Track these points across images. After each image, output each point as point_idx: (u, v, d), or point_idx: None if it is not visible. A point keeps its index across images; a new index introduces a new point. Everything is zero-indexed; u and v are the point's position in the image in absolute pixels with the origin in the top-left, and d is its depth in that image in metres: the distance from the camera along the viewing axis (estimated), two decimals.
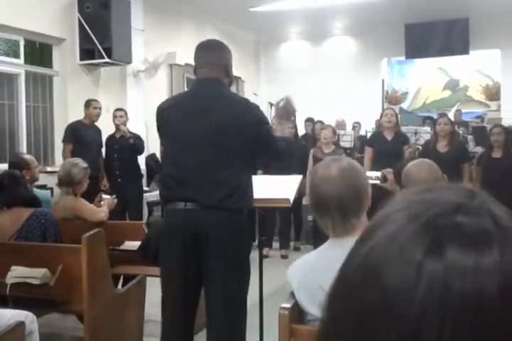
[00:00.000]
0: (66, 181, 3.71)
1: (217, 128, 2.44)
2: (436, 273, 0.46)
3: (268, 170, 5.82)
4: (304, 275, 1.67)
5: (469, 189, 0.55)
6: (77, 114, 6.22)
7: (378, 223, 0.53)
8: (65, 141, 5.99)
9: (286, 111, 2.82)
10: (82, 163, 3.82)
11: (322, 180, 1.69)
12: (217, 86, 2.57)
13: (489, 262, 0.46)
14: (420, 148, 5.81)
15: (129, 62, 7.10)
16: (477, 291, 0.45)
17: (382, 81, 11.62)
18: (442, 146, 5.35)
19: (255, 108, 2.57)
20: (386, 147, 5.50)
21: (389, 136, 5.66)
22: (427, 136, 6.32)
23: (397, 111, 8.21)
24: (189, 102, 2.57)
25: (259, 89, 10.74)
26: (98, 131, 6.17)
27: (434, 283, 0.46)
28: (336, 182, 1.66)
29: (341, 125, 8.39)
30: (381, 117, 5.87)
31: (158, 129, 2.66)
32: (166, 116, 2.58)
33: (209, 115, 2.46)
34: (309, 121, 8.02)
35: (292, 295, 1.75)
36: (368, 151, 5.72)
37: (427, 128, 7.05)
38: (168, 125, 2.57)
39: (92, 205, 3.83)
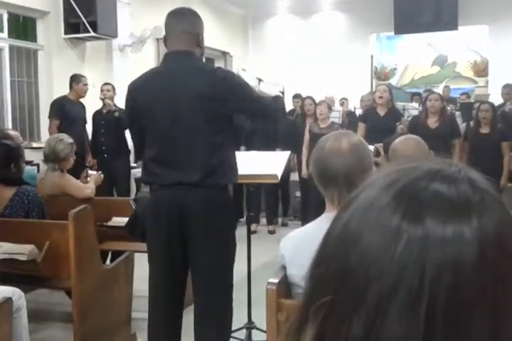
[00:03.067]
0: (52, 157, 3.68)
1: (191, 105, 2.36)
2: (414, 238, 0.47)
3: (251, 146, 5.84)
4: (297, 248, 1.68)
5: (448, 160, 0.56)
6: (63, 88, 6.14)
7: (359, 191, 0.54)
8: (51, 116, 5.91)
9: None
10: (68, 139, 3.78)
11: (331, 153, 1.70)
12: (187, 59, 2.46)
13: (468, 231, 0.47)
14: None
15: (114, 36, 6.98)
16: (455, 258, 0.46)
17: (371, 57, 11.55)
18: (433, 122, 5.36)
19: (229, 75, 2.46)
20: (379, 123, 5.50)
21: (382, 112, 5.67)
22: (415, 112, 6.32)
23: None
24: (160, 80, 2.47)
25: (248, 64, 10.64)
26: (83, 107, 6.10)
27: (413, 246, 0.47)
28: (346, 156, 1.68)
29: (331, 101, 8.36)
30: (375, 92, 5.86)
31: (130, 110, 2.56)
32: (139, 98, 2.49)
33: (182, 92, 2.37)
34: (297, 97, 7.97)
35: (283, 268, 1.76)
36: (361, 127, 5.71)
37: (415, 105, 7.05)
38: (141, 106, 2.48)
39: (79, 182, 3.80)
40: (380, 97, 5.63)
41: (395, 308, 0.46)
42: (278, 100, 2.72)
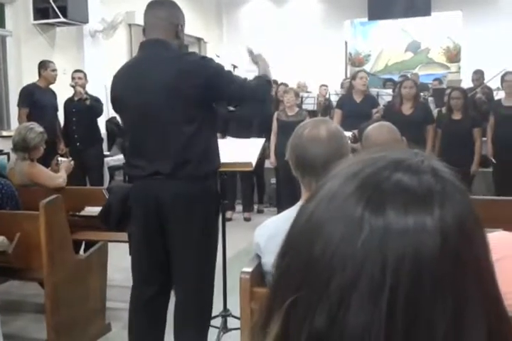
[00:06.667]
0: (22, 146, 3.60)
1: (162, 94, 2.31)
2: (376, 228, 0.48)
3: (226, 134, 5.81)
4: (271, 236, 1.67)
5: (414, 149, 0.55)
6: (33, 76, 6.01)
7: (325, 181, 0.54)
8: (20, 105, 5.78)
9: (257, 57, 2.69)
10: (38, 128, 3.70)
11: (309, 140, 1.68)
12: (162, 48, 2.40)
13: (429, 221, 0.47)
14: None
15: (85, 21, 6.85)
16: (416, 248, 0.47)
17: (346, 43, 11.55)
18: (407, 109, 5.40)
19: (203, 63, 2.36)
20: (355, 109, 5.55)
21: (358, 99, 5.71)
22: (389, 98, 6.36)
23: None
24: (132, 70, 2.43)
25: (223, 50, 10.55)
26: (53, 94, 5.99)
27: (374, 236, 0.47)
28: (325, 143, 1.67)
29: (303, 87, 8.34)
30: (354, 79, 5.88)
31: (111, 103, 2.54)
32: (115, 87, 2.47)
33: (152, 81, 2.32)
34: (273, 83, 7.94)
35: (257, 256, 1.76)
36: (337, 113, 5.75)
37: (389, 91, 7.08)
38: (116, 97, 2.46)
39: (50, 171, 3.73)
40: (364, 84, 5.69)
41: (358, 298, 0.47)
42: (263, 81, 2.49)
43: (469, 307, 0.48)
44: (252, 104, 2.51)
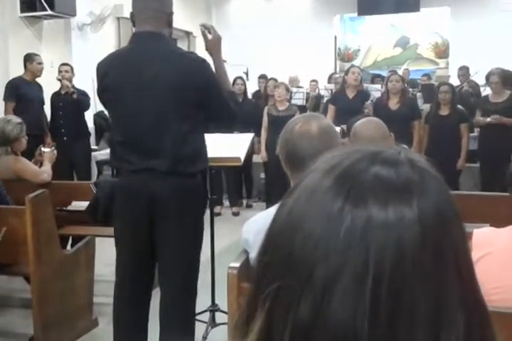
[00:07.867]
0: (2, 139, 3.54)
1: (161, 88, 2.29)
2: (357, 220, 0.48)
3: (209, 129, 5.76)
4: (260, 231, 1.66)
5: (392, 145, 0.57)
6: (19, 69, 5.95)
7: (303, 177, 0.55)
8: (6, 98, 5.72)
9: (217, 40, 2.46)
10: (16, 119, 3.63)
11: (301, 136, 1.67)
12: (158, 41, 2.36)
13: (409, 212, 0.48)
14: None
15: (73, 14, 6.79)
16: (398, 238, 0.48)
17: (335, 38, 11.55)
18: (394, 104, 5.42)
19: (205, 66, 2.36)
20: (348, 105, 5.58)
21: (351, 94, 5.74)
22: (377, 94, 6.37)
23: None
24: (129, 62, 2.37)
25: None
26: (40, 88, 5.93)
27: (356, 227, 0.48)
28: (316, 139, 1.66)
29: (294, 81, 8.32)
30: (346, 74, 5.89)
31: (99, 93, 2.48)
32: (106, 79, 2.40)
33: (151, 74, 2.29)
34: (263, 78, 7.92)
35: (245, 252, 1.76)
36: (331, 109, 5.78)
37: (378, 86, 7.09)
38: (109, 88, 2.40)
39: (34, 166, 3.67)
40: (355, 79, 5.70)
41: (341, 289, 0.47)
42: (235, 98, 2.53)
43: (449, 295, 0.49)
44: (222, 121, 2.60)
